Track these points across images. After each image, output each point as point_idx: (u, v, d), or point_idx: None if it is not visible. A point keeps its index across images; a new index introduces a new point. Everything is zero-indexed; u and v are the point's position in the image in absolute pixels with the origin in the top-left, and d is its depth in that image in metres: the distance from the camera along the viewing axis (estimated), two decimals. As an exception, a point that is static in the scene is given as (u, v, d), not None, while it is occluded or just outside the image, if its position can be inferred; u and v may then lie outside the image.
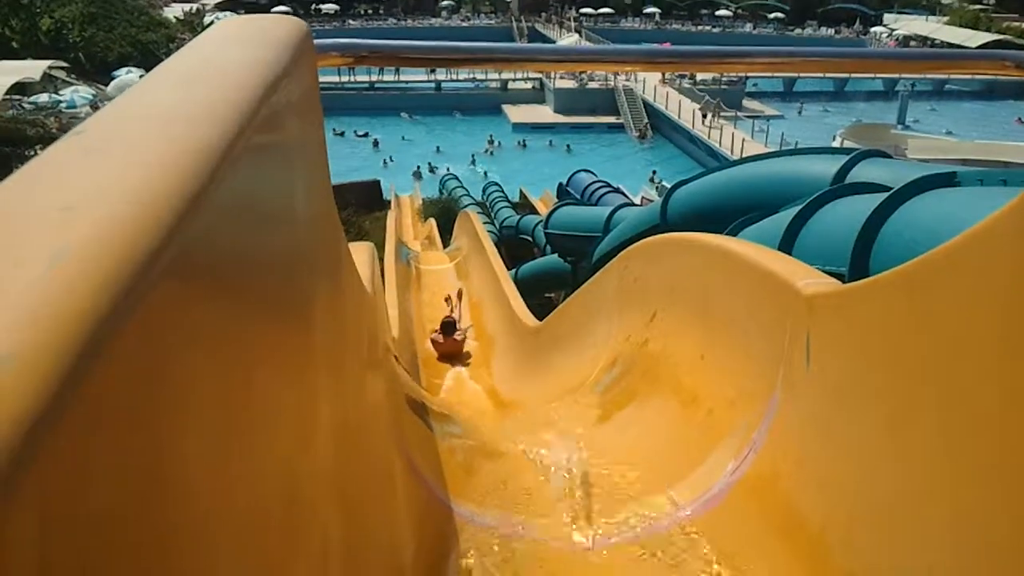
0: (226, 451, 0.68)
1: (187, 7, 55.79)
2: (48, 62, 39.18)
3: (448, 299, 9.68)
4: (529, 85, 51.35)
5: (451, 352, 8.50)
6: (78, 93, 36.52)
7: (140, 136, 0.62)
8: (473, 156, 37.29)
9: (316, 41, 1.44)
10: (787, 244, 4.34)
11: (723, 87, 50.48)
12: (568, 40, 60.11)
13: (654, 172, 35.83)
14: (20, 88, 34.75)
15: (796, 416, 1.91)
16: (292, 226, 1.05)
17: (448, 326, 8.47)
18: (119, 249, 0.46)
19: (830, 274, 3.83)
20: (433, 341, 8.63)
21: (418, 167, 35.82)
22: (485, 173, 35.40)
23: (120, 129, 0.65)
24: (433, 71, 51.77)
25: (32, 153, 24.46)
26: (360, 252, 2.66)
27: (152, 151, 0.59)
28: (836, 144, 32.74)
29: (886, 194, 3.81)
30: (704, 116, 38.58)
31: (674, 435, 2.42)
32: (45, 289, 0.41)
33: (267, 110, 0.84)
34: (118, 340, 0.44)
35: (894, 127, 37.29)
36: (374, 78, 49.62)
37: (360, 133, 40.57)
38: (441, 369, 8.16)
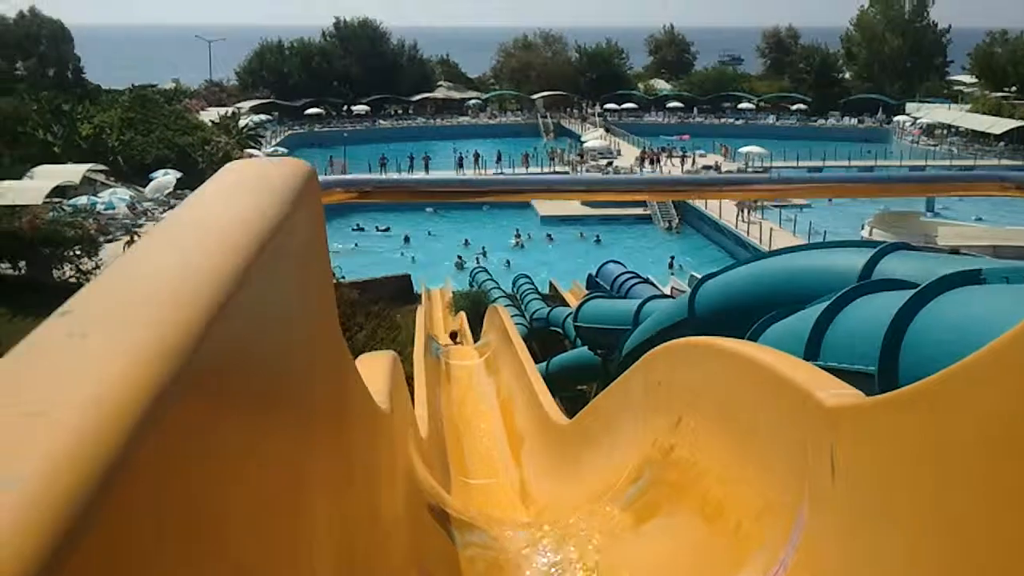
0: None
1: (222, 111, 57.56)
2: (87, 166, 40.48)
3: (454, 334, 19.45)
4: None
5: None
6: (116, 195, 37.54)
7: (123, 317, 0.63)
8: (483, 248, 38.11)
9: (321, 178, 1.48)
10: (814, 342, 4.30)
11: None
12: (593, 135, 61.30)
13: (672, 258, 36.09)
14: (60, 191, 35.82)
15: (824, 533, 1.85)
16: (289, 363, 1.05)
17: (453, 335, 19.17)
18: (82, 464, 0.45)
19: (860, 373, 3.79)
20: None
21: (459, 257, 36.98)
22: (508, 263, 36.22)
23: (105, 309, 0.66)
24: (461, 166, 52.88)
25: (70, 254, 25.12)
26: (379, 363, 2.66)
27: (133, 336, 0.59)
28: (864, 232, 32.63)
29: (912, 291, 3.79)
30: (740, 211, 37.85)
31: (701, 550, 2.36)
32: None
33: (264, 262, 0.86)
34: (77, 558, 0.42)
35: (923, 214, 37.04)
36: (404, 174, 50.69)
37: (382, 228, 41.04)
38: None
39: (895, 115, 68.96)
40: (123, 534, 0.49)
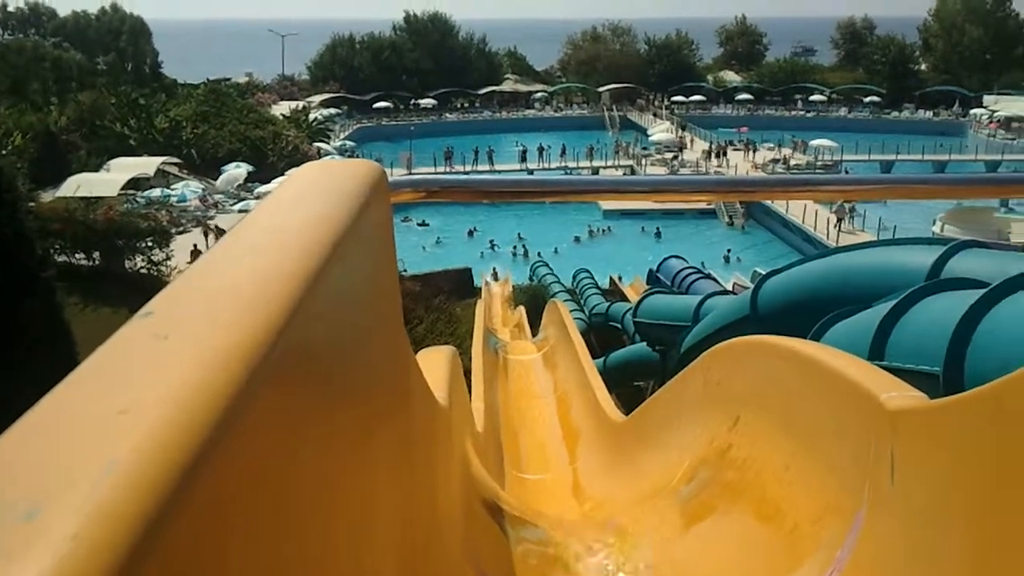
0: None
1: (293, 104, 58.45)
2: (162, 158, 41.48)
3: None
4: (620, 172, 51.75)
5: None
6: (188, 187, 38.45)
7: (203, 320, 0.66)
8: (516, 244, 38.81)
9: (391, 179, 1.51)
10: (879, 342, 4.21)
11: (817, 171, 49.87)
12: (659, 128, 60.67)
13: (728, 251, 35.68)
14: (135, 183, 36.77)
15: (881, 536, 1.82)
16: (356, 359, 1.08)
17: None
18: (167, 458, 0.49)
19: (925, 374, 3.70)
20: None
21: (491, 241, 38.65)
22: (556, 249, 36.98)
23: (184, 312, 0.69)
24: (524, 159, 52.87)
25: (143, 245, 25.74)
26: (439, 357, 2.69)
27: (211, 338, 0.63)
28: (936, 228, 31.75)
29: (982, 291, 3.68)
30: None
31: (757, 550, 2.34)
32: (90, 513, 0.43)
33: (335, 263, 0.89)
34: (161, 554, 0.46)
35: (996, 210, 35.84)
36: (468, 168, 50.81)
37: (419, 223, 41.08)
38: None
39: (972, 108, 66.95)
40: (204, 516, 0.53)
